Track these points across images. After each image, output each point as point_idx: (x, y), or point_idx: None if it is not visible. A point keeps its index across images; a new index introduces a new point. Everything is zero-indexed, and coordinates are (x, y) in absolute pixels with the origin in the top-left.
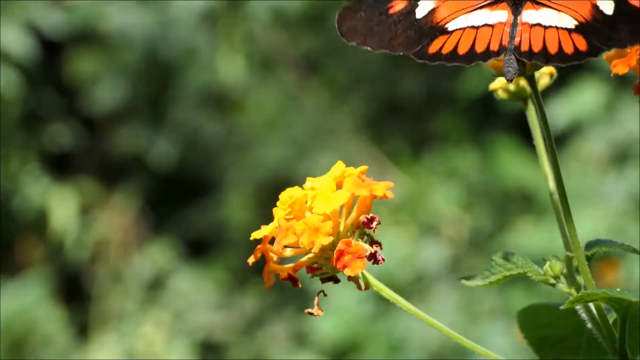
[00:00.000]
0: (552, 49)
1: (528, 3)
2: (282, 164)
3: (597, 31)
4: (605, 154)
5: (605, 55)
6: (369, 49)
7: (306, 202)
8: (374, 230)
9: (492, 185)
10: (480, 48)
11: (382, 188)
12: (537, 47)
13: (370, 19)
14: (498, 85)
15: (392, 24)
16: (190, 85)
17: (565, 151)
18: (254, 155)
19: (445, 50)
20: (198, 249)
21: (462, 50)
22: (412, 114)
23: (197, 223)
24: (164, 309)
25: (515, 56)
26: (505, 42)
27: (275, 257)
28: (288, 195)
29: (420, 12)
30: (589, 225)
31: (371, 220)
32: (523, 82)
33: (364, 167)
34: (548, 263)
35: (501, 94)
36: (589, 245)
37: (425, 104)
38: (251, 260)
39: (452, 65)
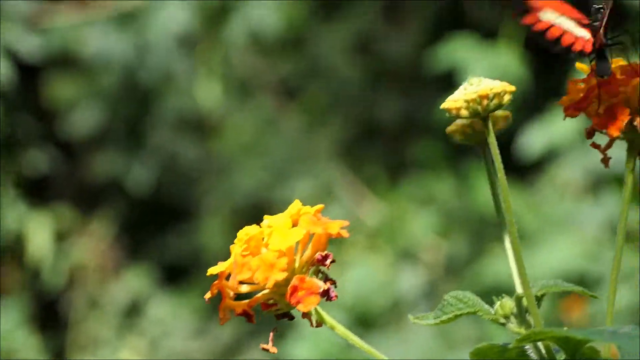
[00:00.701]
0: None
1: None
2: (260, 189)
3: None
4: (581, 181)
5: (560, 100)
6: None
7: (263, 238)
8: (328, 268)
9: (469, 211)
10: (566, 43)
11: (337, 227)
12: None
13: None
14: (454, 128)
15: None
16: (168, 110)
17: (541, 178)
18: (232, 180)
19: (535, 28)
20: (175, 275)
21: (550, 35)
22: (389, 140)
23: (174, 249)
24: (140, 335)
25: (603, 54)
26: (588, 48)
27: (231, 293)
28: (245, 232)
29: None
30: (565, 251)
31: (325, 257)
32: (479, 126)
33: (319, 206)
34: (498, 302)
35: (458, 137)
36: (541, 285)
37: (403, 130)
38: (207, 296)
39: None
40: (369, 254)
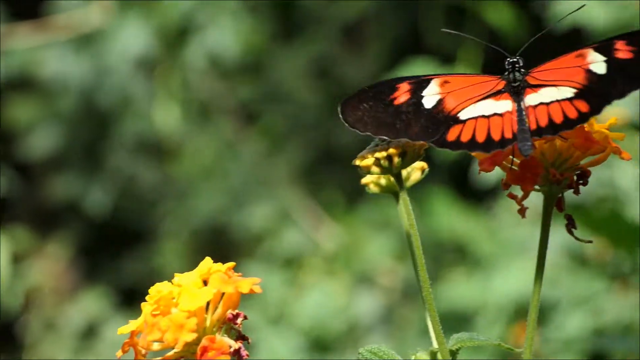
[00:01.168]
0: (558, 119)
1: (527, 89)
2: (218, 213)
3: (596, 91)
4: (538, 206)
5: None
6: (385, 138)
7: (173, 298)
8: (239, 326)
9: (426, 236)
10: (496, 136)
11: (248, 284)
12: (543, 123)
13: (376, 109)
14: (369, 179)
15: (403, 114)
16: (126, 133)
17: (499, 204)
18: (190, 204)
19: (464, 138)
20: (132, 297)
21: (480, 138)
22: (347, 165)
23: (131, 272)
24: (96, 357)
25: (528, 133)
26: (515, 128)
27: (143, 351)
28: (156, 291)
29: (429, 103)
30: (521, 276)
31: (236, 316)
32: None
33: (231, 264)
34: (413, 357)
35: (373, 189)
36: (456, 339)
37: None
38: (119, 354)
39: (473, 152)
40: (327, 278)
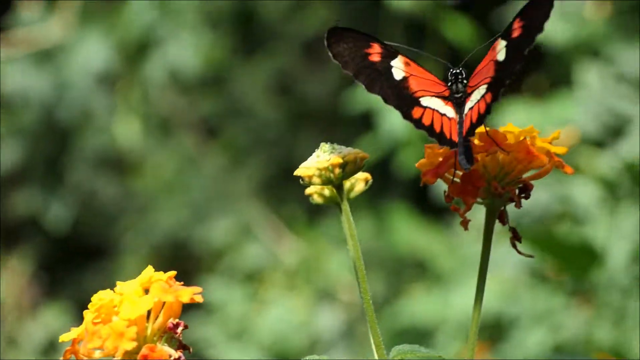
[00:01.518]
0: (474, 119)
1: (467, 99)
2: (180, 228)
3: (497, 79)
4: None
5: (418, 163)
6: (362, 85)
7: (114, 306)
8: (179, 335)
9: (386, 251)
10: (447, 134)
11: (189, 294)
12: (467, 125)
13: (355, 53)
14: (313, 190)
15: (378, 72)
16: (87, 148)
17: (458, 219)
18: (151, 219)
19: (425, 122)
20: None
21: (437, 128)
22: None
23: (92, 286)
24: None
25: (466, 145)
26: (455, 136)
27: (85, 359)
28: (98, 298)
29: (397, 75)
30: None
31: (177, 325)
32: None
33: (172, 273)
34: None
35: (317, 199)
36: (397, 350)
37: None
38: None
39: (431, 137)
40: (288, 293)
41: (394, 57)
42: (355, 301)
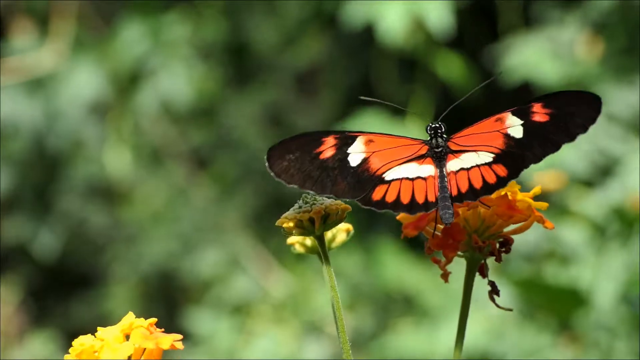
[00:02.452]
0: (477, 184)
1: (449, 154)
2: (168, 258)
3: (513, 155)
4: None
5: (399, 216)
6: (311, 192)
7: (95, 352)
8: None
9: (375, 286)
10: (420, 199)
11: (169, 341)
12: (464, 188)
13: (302, 161)
14: (295, 240)
15: (329, 169)
16: (77, 177)
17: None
18: (140, 249)
19: (388, 199)
20: None
21: (405, 199)
22: None
23: (80, 315)
24: None
25: (449, 201)
26: (437, 191)
27: None
28: (79, 343)
29: (354, 161)
30: (470, 330)
31: None
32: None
33: (152, 320)
34: None
35: (298, 249)
36: None
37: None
38: None
39: (397, 212)
40: (275, 326)
41: (352, 141)
42: None
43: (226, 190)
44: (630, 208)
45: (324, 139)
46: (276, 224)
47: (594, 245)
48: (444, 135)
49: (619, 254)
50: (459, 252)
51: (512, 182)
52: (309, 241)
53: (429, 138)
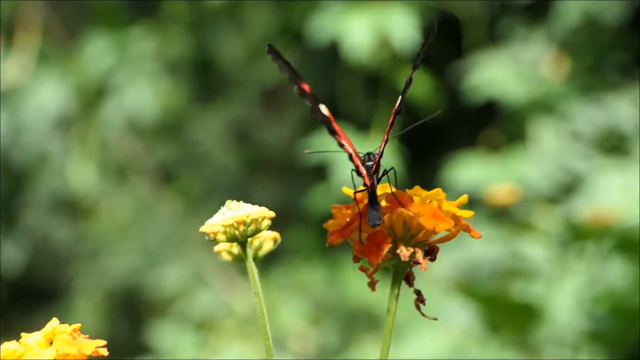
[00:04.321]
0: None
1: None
2: (133, 273)
3: None
4: (453, 276)
5: (325, 224)
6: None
7: (18, 357)
8: None
9: (339, 302)
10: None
11: (92, 347)
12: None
13: (294, 74)
14: (222, 248)
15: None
16: (41, 191)
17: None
18: (105, 263)
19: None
20: None
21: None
22: None
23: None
24: None
25: (377, 203)
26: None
27: None
28: (3, 349)
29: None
30: (434, 345)
31: None
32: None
33: (77, 325)
34: None
35: (225, 256)
36: None
37: (277, 217)
38: None
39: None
40: (239, 341)
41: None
42: (306, 350)
43: (191, 205)
44: (588, 224)
45: (302, 84)
46: (200, 229)
47: (554, 262)
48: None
49: (579, 270)
50: (385, 261)
51: (438, 191)
52: (236, 249)
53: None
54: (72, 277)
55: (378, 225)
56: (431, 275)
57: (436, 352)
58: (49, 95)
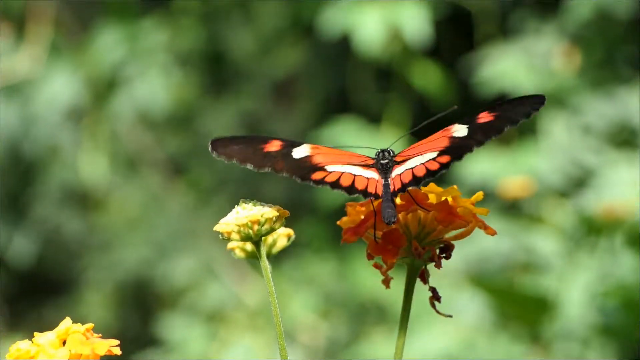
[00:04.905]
0: (420, 174)
1: (394, 165)
2: (143, 265)
3: (457, 145)
4: (464, 269)
5: (339, 221)
6: (249, 166)
7: (31, 357)
8: None
9: (349, 294)
10: (360, 187)
11: (105, 346)
12: (406, 180)
13: (245, 151)
14: (236, 245)
15: (271, 157)
16: (52, 183)
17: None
18: (115, 255)
19: (328, 180)
20: None
21: (345, 183)
22: None
23: (53, 321)
24: None
25: (392, 201)
26: (380, 191)
27: None
28: (16, 349)
29: (297, 155)
30: (441, 339)
31: None
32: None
33: (90, 325)
34: None
35: (239, 254)
36: None
37: (288, 210)
38: None
39: (335, 189)
40: (249, 333)
41: (298, 146)
42: (316, 343)
43: (201, 198)
44: (600, 218)
45: (270, 141)
46: (214, 229)
47: (565, 255)
48: (392, 153)
49: (591, 264)
50: (400, 259)
51: (453, 188)
52: (249, 246)
53: (376, 154)
54: (83, 269)
55: (393, 223)
56: (442, 268)
57: (446, 345)
58: (60, 87)
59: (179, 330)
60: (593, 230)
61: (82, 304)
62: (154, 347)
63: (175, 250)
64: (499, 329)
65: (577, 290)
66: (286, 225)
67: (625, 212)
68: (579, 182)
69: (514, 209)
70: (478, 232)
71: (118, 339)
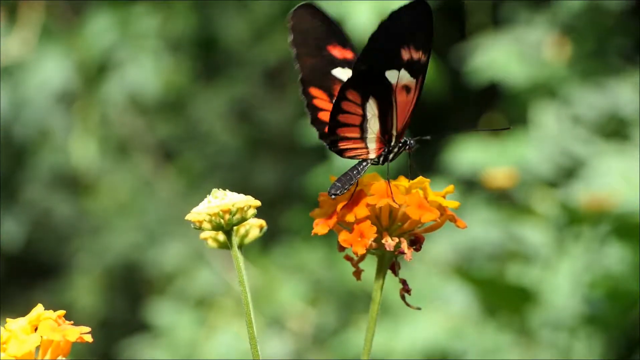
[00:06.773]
0: None
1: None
2: (133, 250)
3: None
4: (451, 258)
5: (312, 212)
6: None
7: (2, 343)
8: None
9: (338, 282)
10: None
11: (76, 333)
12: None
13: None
14: (208, 235)
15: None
16: (43, 166)
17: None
18: (105, 240)
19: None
20: None
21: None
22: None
23: (43, 305)
24: None
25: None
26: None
27: None
28: None
29: (339, 75)
30: (429, 327)
31: None
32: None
33: (61, 312)
34: None
35: (211, 244)
36: None
37: (278, 197)
38: None
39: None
40: (237, 320)
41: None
42: (304, 331)
43: (192, 183)
44: (584, 208)
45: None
46: (185, 218)
47: (554, 245)
48: None
49: (578, 254)
50: (370, 250)
51: (422, 179)
52: (221, 236)
53: None
54: (72, 253)
55: (336, 196)
56: (429, 258)
57: (433, 334)
58: (51, 71)
59: (168, 316)
60: (579, 220)
61: (71, 288)
62: (142, 332)
63: (165, 235)
64: (487, 318)
65: (564, 280)
66: (276, 213)
67: (613, 202)
68: (568, 172)
69: (502, 198)
70: (466, 222)
71: (107, 324)
